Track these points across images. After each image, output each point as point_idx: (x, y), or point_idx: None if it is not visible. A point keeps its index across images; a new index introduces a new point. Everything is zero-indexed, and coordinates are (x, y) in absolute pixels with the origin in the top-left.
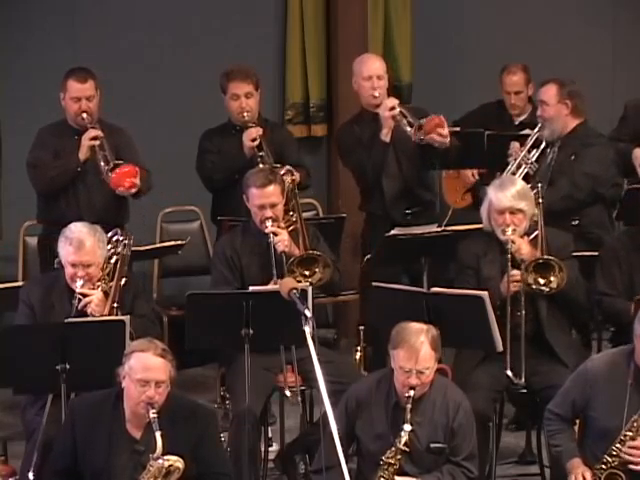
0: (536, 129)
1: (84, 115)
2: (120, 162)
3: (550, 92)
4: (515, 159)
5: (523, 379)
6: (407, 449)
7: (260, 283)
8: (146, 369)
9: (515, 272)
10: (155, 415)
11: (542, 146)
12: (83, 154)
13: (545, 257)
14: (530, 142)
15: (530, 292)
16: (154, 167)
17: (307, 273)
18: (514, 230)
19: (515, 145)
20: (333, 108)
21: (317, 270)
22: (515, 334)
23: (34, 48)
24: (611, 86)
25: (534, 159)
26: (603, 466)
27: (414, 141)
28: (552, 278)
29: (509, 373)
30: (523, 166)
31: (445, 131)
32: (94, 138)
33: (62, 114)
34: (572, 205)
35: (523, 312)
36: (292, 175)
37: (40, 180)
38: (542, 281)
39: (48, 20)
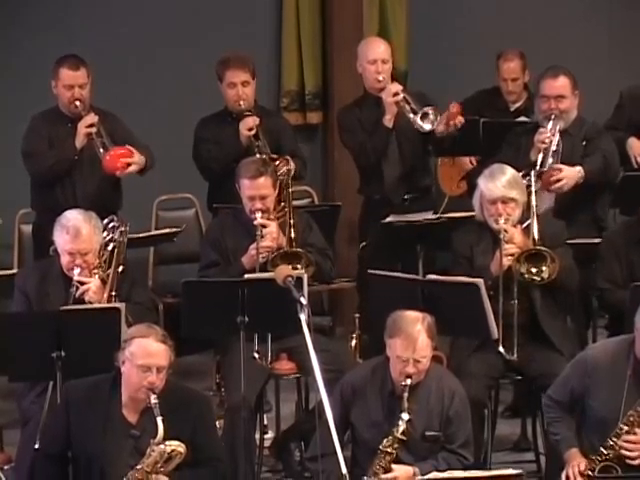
0: (551, 122)
1: (77, 103)
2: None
3: (567, 85)
4: (546, 149)
5: (515, 354)
6: (405, 438)
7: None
8: (148, 355)
9: (509, 246)
10: (156, 401)
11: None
12: (80, 142)
13: (537, 248)
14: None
15: (523, 282)
16: None
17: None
18: (507, 219)
19: (544, 135)
20: (328, 95)
21: (299, 267)
22: (509, 322)
23: (27, 43)
24: (607, 74)
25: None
26: (598, 457)
27: (416, 129)
28: (544, 268)
29: (501, 349)
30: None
31: (462, 118)
32: (90, 125)
33: (54, 103)
34: (603, 180)
35: (516, 301)
36: (288, 165)
37: (37, 169)
38: (534, 270)
39: (42, 15)
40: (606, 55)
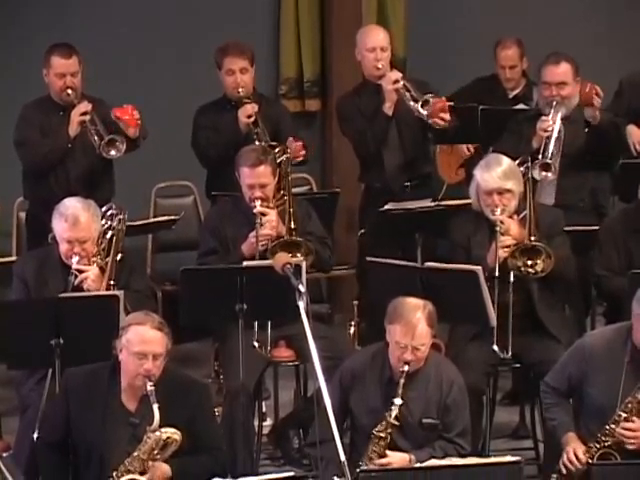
0: (552, 109)
1: (69, 91)
2: (113, 136)
3: (568, 72)
4: (548, 137)
5: (510, 353)
6: (398, 423)
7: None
8: (144, 342)
9: (505, 237)
10: (152, 388)
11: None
12: (73, 130)
13: (532, 243)
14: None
15: (519, 275)
16: (148, 142)
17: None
18: (503, 210)
19: (547, 123)
20: (327, 83)
21: (299, 255)
22: (505, 313)
23: (27, 43)
24: (606, 61)
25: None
26: (597, 444)
27: (416, 116)
28: (538, 261)
29: (495, 348)
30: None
31: (447, 116)
32: (84, 113)
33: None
34: (613, 136)
35: (511, 293)
36: (287, 153)
37: (30, 158)
38: (530, 263)
39: (42, 15)
40: (606, 55)
